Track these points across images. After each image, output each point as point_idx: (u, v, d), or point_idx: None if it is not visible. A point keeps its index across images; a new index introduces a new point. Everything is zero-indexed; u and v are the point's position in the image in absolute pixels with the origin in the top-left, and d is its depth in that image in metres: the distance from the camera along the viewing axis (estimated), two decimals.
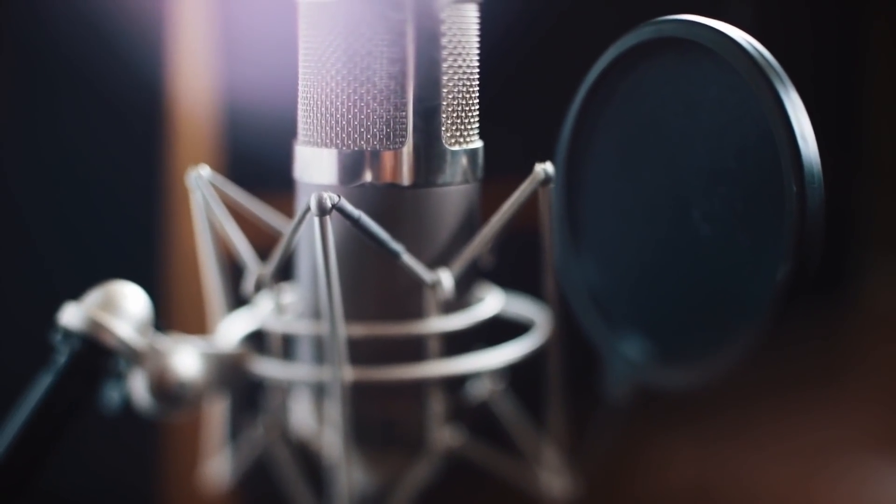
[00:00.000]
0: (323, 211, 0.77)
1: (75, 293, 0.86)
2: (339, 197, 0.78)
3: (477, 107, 0.86)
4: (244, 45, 1.46)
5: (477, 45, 0.86)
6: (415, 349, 0.85)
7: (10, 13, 1.43)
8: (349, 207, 0.79)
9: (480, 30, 0.86)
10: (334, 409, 0.83)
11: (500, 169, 0.91)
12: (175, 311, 1.46)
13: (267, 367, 0.88)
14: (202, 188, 0.89)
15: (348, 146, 0.83)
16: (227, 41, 1.47)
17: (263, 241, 0.92)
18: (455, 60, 0.84)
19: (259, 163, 1.25)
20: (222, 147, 1.47)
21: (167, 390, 0.85)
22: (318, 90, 0.83)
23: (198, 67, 1.45)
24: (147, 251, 1.49)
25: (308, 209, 0.78)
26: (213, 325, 0.93)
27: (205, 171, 0.90)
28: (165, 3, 1.44)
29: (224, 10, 1.46)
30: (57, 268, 1.46)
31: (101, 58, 1.43)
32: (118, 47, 1.43)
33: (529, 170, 0.85)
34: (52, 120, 1.46)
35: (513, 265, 0.94)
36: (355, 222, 0.79)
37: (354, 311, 0.83)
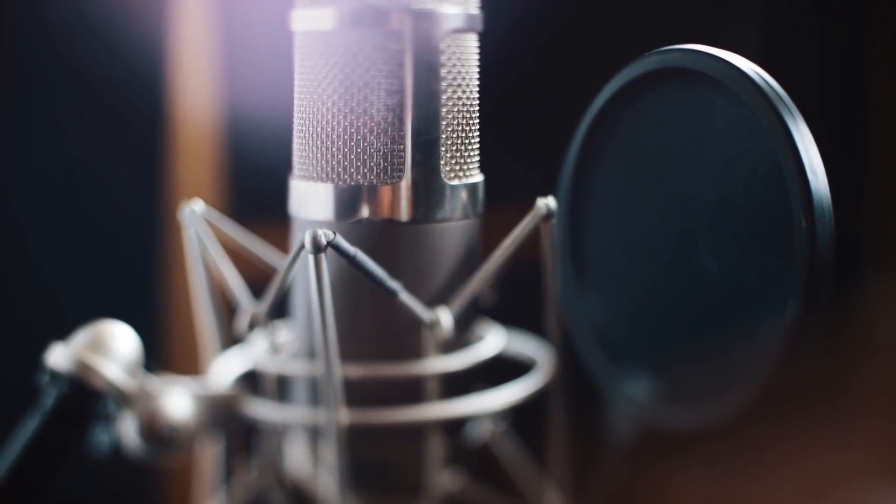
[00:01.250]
0: (318, 248, 0.75)
1: (72, 325, 0.84)
2: (335, 234, 0.76)
3: (477, 140, 0.84)
4: (247, 61, 1.45)
5: (477, 75, 0.84)
6: (413, 390, 0.83)
7: (13, 26, 1.41)
8: (345, 245, 0.77)
9: (481, 60, 0.84)
10: (330, 452, 0.80)
11: (502, 198, 0.89)
12: (175, 343, 1.44)
13: (261, 409, 0.86)
14: (195, 224, 0.87)
15: (345, 181, 0.81)
16: (229, 56, 1.45)
17: (261, 276, 0.90)
18: (454, 92, 0.82)
19: (262, 189, 1.23)
20: (225, 173, 1.45)
21: (158, 433, 0.82)
22: (314, 123, 0.81)
23: (200, 85, 1.44)
24: (146, 280, 1.47)
25: (302, 246, 0.76)
26: (206, 364, 0.91)
27: (198, 206, 0.88)
28: (167, 16, 1.43)
29: (227, 24, 1.45)
30: (52, 301, 1.44)
31: (104, 73, 1.41)
32: (120, 61, 1.41)
33: (532, 198, 0.83)
34: (52, 139, 1.44)
35: (515, 297, 0.91)
36: (351, 260, 0.77)
37: (351, 350, 0.81)
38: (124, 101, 1.44)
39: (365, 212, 0.81)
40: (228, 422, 0.87)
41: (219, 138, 1.46)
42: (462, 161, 0.83)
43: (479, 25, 0.84)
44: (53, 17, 1.40)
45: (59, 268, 1.47)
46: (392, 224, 0.81)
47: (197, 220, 0.87)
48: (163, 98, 1.44)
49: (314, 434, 0.85)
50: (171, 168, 1.44)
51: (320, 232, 0.75)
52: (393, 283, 0.79)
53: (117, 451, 0.84)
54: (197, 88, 1.44)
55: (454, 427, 0.86)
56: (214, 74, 1.45)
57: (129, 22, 1.41)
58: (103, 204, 1.48)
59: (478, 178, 0.84)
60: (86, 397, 0.81)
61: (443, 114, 0.81)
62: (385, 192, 0.80)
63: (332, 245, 0.76)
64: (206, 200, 0.89)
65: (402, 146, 0.80)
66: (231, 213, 0.91)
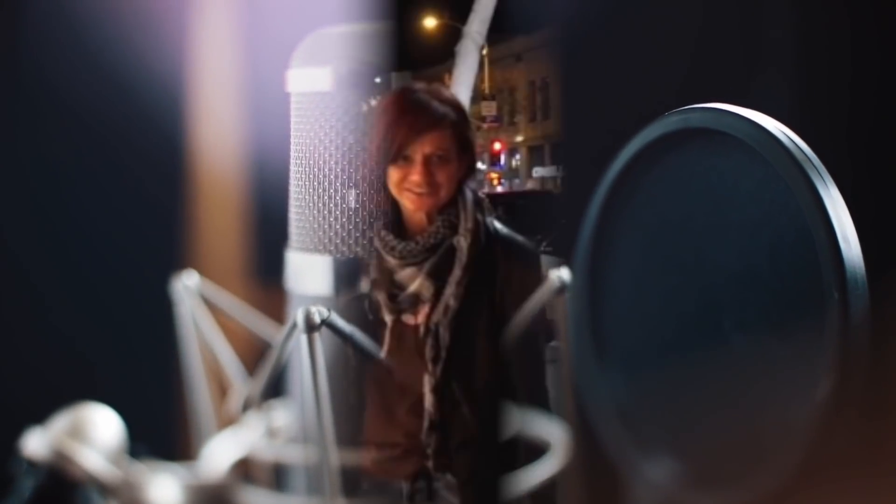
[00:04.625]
0: (311, 327, 0.71)
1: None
2: (329, 311, 0.72)
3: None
4: (273, 112, 1.41)
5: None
6: None
7: (31, 87, 1.39)
8: (340, 323, 0.72)
9: None
10: None
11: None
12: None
13: (254, 499, 0.81)
14: (189, 299, 0.83)
15: (343, 252, 0.76)
16: (254, 109, 1.42)
17: (261, 352, 0.85)
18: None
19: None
20: (251, 232, 1.41)
21: None
22: (311, 190, 0.77)
23: (223, 140, 1.41)
24: (166, 353, 1.43)
25: (295, 324, 0.72)
26: (197, 448, 0.86)
27: (191, 280, 0.84)
28: (189, 68, 1.40)
29: (252, 75, 1.42)
30: (67, 373, 1.40)
31: (123, 131, 1.39)
32: (141, 118, 1.38)
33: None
34: (67, 203, 1.41)
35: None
36: (347, 339, 0.73)
37: (350, 435, 0.76)
38: (145, 162, 1.41)
39: (366, 286, 0.76)
40: None
41: (244, 197, 1.42)
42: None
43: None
44: (74, 83, 1.38)
45: (73, 336, 1.43)
46: None
47: (190, 294, 0.83)
48: (184, 158, 1.41)
49: None
50: (193, 233, 1.41)
51: (314, 309, 0.71)
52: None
53: None
54: (220, 144, 1.41)
55: None
56: (238, 127, 1.42)
57: (150, 76, 1.38)
58: (121, 271, 1.44)
59: None
60: (65, 488, 0.76)
61: None
62: None
63: (326, 323, 0.71)
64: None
65: None
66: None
